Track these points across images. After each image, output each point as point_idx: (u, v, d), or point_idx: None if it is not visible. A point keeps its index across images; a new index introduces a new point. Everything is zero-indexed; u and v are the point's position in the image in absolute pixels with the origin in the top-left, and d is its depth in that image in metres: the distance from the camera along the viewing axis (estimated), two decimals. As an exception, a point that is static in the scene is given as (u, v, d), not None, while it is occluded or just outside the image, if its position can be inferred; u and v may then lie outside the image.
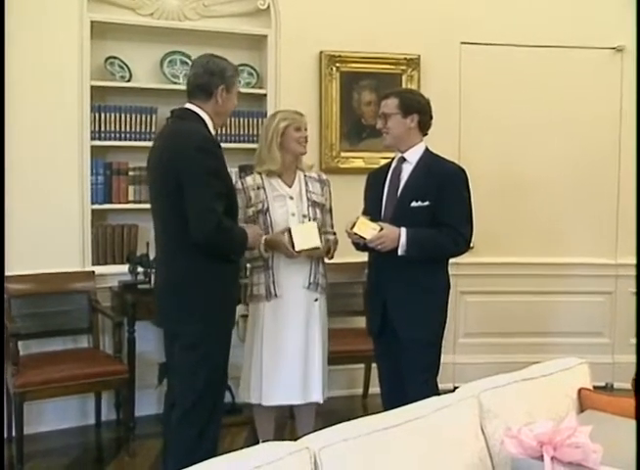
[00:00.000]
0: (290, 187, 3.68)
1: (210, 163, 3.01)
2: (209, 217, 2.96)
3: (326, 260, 3.75)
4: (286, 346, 3.60)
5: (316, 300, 3.66)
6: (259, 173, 3.68)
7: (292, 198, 3.65)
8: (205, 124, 3.14)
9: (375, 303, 3.51)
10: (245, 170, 4.76)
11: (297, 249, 3.48)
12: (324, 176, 3.82)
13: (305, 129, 3.67)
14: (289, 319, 3.60)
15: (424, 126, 3.45)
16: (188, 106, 3.18)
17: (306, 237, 3.50)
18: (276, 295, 3.60)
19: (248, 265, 3.98)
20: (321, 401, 3.67)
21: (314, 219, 3.63)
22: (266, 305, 3.61)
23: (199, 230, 2.98)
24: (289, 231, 3.50)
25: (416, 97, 3.52)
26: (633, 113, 4.96)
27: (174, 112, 3.25)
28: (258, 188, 3.64)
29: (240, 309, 3.70)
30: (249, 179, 3.70)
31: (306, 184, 3.70)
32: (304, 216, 3.63)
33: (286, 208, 3.63)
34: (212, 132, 3.17)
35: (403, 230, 3.28)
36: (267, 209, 3.61)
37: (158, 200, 3.19)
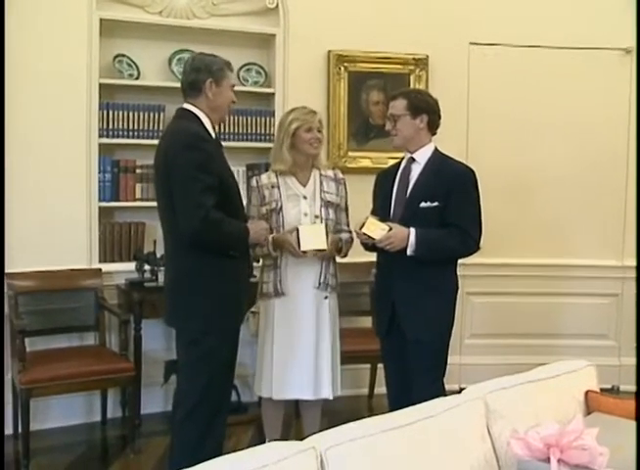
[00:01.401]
0: (304, 186, 3.68)
1: (196, 157, 3.00)
2: (196, 212, 2.96)
3: (337, 259, 3.76)
4: (296, 342, 3.61)
5: (326, 297, 3.66)
6: (274, 171, 3.69)
7: (305, 197, 3.65)
8: (201, 122, 3.15)
9: (383, 303, 3.50)
10: (253, 169, 4.78)
11: (302, 248, 3.48)
12: (340, 175, 3.80)
13: (319, 130, 3.64)
14: (299, 317, 3.61)
15: (433, 126, 3.44)
16: (184, 105, 3.21)
17: (313, 238, 3.50)
18: (283, 293, 3.61)
19: (256, 261, 4.00)
20: (330, 398, 3.67)
21: (326, 220, 3.63)
22: (276, 302, 3.62)
23: (186, 225, 2.99)
24: (297, 230, 3.50)
25: (424, 97, 3.51)
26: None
27: (176, 112, 3.27)
28: (273, 187, 3.64)
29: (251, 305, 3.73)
30: (264, 177, 3.70)
31: (321, 184, 3.70)
32: (317, 217, 3.63)
33: (299, 208, 3.63)
34: (210, 129, 3.17)
35: (412, 230, 3.27)
36: (280, 208, 3.62)
37: (160, 199, 3.22)
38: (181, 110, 3.21)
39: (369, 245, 3.42)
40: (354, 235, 3.46)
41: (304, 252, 3.50)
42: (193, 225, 2.97)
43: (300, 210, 3.64)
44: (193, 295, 3.12)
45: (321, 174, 3.72)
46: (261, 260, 3.74)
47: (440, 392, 3.23)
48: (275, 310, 3.63)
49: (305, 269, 3.61)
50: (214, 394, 3.14)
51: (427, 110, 3.41)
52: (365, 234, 3.31)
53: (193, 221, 2.97)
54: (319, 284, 3.63)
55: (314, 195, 3.68)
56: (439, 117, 3.45)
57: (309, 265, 3.61)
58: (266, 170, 3.90)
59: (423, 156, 3.42)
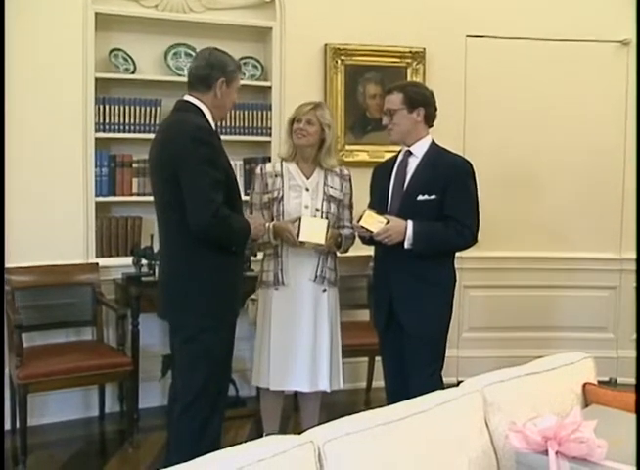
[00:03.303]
0: (308, 179, 3.70)
1: (205, 151, 2.98)
2: (207, 207, 2.94)
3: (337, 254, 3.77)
4: (294, 334, 3.62)
5: (324, 290, 3.66)
6: (281, 160, 3.74)
7: (307, 190, 3.67)
8: (204, 116, 3.13)
9: (381, 297, 3.50)
10: (250, 163, 4.78)
11: (300, 238, 3.49)
12: (345, 171, 3.80)
13: (309, 122, 3.63)
14: (297, 308, 3.63)
15: (429, 119, 3.43)
16: (187, 98, 3.17)
17: (314, 231, 3.50)
18: (283, 283, 3.62)
19: (253, 255, 4.05)
20: (328, 390, 3.69)
21: (327, 214, 3.64)
22: (275, 292, 3.64)
23: (196, 220, 2.96)
24: (299, 220, 3.51)
25: (420, 90, 3.50)
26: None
27: (175, 104, 3.24)
28: (276, 176, 3.68)
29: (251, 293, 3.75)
30: (268, 166, 3.76)
31: (325, 178, 3.71)
32: (317, 210, 3.65)
33: (300, 199, 3.65)
34: (212, 124, 3.16)
35: (410, 223, 3.27)
36: (282, 197, 3.64)
37: (158, 192, 3.20)
38: (183, 102, 3.18)
39: (366, 238, 3.43)
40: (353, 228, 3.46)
41: (302, 242, 3.50)
42: (203, 221, 2.95)
43: (302, 201, 3.65)
44: (191, 290, 3.10)
45: (326, 169, 3.73)
46: (260, 253, 3.76)
47: (438, 385, 3.24)
48: (273, 300, 3.65)
49: (304, 261, 3.63)
50: (212, 389, 3.13)
51: (423, 103, 3.40)
52: (363, 227, 3.30)
53: (203, 217, 2.95)
54: (315, 277, 3.64)
55: (317, 188, 3.69)
56: (436, 110, 3.45)
57: (308, 258, 3.63)
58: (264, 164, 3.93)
59: (420, 149, 3.41)
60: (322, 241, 3.51)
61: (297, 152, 3.70)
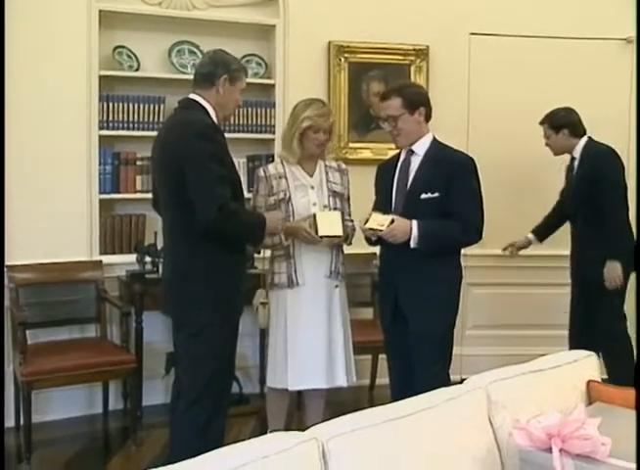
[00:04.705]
0: (311, 176, 3.69)
1: (210, 147, 2.99)
2: (214, 202, 2.94)
3: (345, 249, 3.77)
4: (310, 332, 3.61)
5: (336, 286, 3.67)
6: (281, 160, 3.71)
7: (312, 187, 3.67)
8: (208, 114, 3.13)
9: (386, 294, 3.50)
10: (254, 161, 4.78)
11: (320, 234, 3.48)
12: (343, 166, 3.81)
13: (326, 132, 3.62)
14: (311, 306, 3.62)
15: (428, 116, 3.42)
16: (191, 96, 3.18)
17: (330, 224, 3.51)
18: (298, 283, 3.61)
19: (257, 252, 4.09)
20: (345, 385, 3.69)
21: (334, 209, 3.65)
22: (288, 292, 3.63)
23: (204, 216, 2.95)
24: (314, 217, 3.51)
25: (416, 89, 3.51)
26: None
27: (180, 102, 3.25)
28: (280, 177, 3.66)
29: (260, 296, 3.76)
30: (270, 168, 3.72)
31: (327, 174, 3.71)
32: (325, 206, 3.65)
33: (307, 197, 3.65)
34: (216, 122, 3.16)
35: (414, 223, 3.26)
36: (289, 198, 3.63)
37: (163, 189, 3.20)
38: (187, 100, 3.19)
39: (372, 240, 3.43)
40: (359, 229, 3.45)
41: (321, 237, 3.50)
42: (211, 215, 2.94)
43: (309, 199, 3.65)
44: (194, 287, 3.10)
45: (326, 165, 3.74)
46: (270, 251, 3.74)
47: (444, 383, 3.20)
48: (288, 301, 3.64)
49: (317, 258, 3.63)
50: (215, 386, 3.14)
51: (422, 102, 3.39)
52: (371, 229, 3.29)
53: (210, 211, 2.94)
54: (330, 273, 3.65)
55: (321, 185, 3.69)
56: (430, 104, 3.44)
57: (321, 254, 3.63)
58: (267, 161, 3.91)
59: (422, 147, 3.40)
60: (340, 232, 3.53)
61: (303, 154, 3.66)
